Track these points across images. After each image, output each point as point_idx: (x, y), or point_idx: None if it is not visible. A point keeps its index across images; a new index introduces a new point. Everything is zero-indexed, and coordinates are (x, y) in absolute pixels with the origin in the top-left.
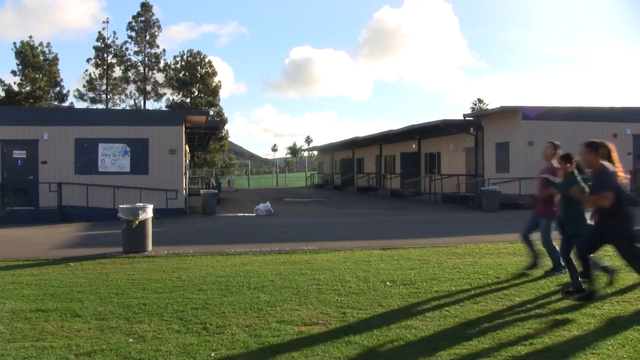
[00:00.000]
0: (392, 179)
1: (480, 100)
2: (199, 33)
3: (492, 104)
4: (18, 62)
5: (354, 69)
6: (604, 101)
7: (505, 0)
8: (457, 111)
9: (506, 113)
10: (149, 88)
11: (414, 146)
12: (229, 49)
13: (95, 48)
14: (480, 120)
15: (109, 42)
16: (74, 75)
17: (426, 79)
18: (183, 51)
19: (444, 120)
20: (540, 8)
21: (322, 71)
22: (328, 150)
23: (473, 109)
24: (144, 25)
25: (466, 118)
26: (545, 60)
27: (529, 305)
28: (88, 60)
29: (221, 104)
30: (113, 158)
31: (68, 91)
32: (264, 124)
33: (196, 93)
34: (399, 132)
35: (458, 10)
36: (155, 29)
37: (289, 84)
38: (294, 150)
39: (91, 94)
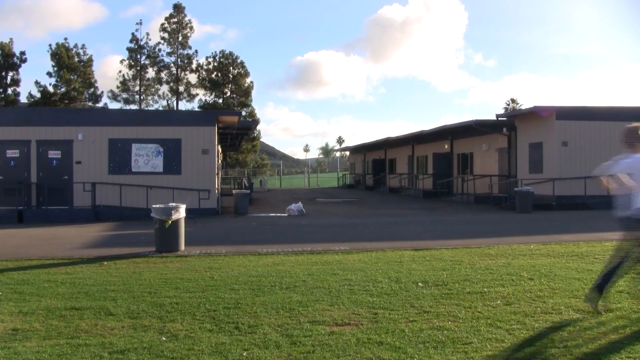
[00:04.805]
0: (425, 179)
1: (513, 100)
2: (227, 33)
3: (518, 104)
4: (53, 64)
5: (365, 69)
6: (628, 102)
7: (517, 0)
8: (473, 111)
9: (540, 113)
10: (181, 89)
11: (446, 146)
12: (241, 49)
13: (129, 49)
14: (513, 121)
15: (142, 43)
16: (99, 75)
17: (436, 79)
18: (215, 52)
19: (476, 120)
20: (556, 7)
21: (335, 72)
22: (360, 150)
23: (506, 109)
24: (177, 27)
25: (499, 118)
26: (561, 60)
27: (562, 308)
28: (121, 61)
29: (252, 104)
30: (146, 158)
31: (102, 92)
32: (281, 124)
33: (228, 94)
34: (431, 132)
35: (470, 10)
36: (188, 30)
37: (304, 85)
38: (326, 151)
39: (124, 95)
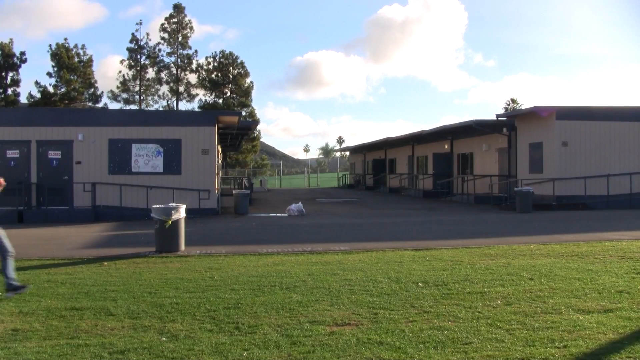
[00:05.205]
0: (425, 179)
1: (513, 100)
2: (225, 33)
3: (510, 105)
4: (53, 64)
5: (365, 69)
6: (628, 102)
7: (517, 0)
8: (473, 111)
9: (540, 113)
10: (181, 89)
11: (446, 146)
12: (241, 49)
13: (129, 49)
14: (513, 121)
15: (142, 43)
16: (99, 75)
17: (436, 79)
18: (215, 52)
19: (476, 120)
20: (556, 7)
21: (335, 72)
22: (360, 150)
23: (506, 109)
24: (177, 27)
25: (499, 118)
26: (561, 60)
27: (562, 308)
28: (121, 61)
29: (253, 104)
30: (146, 158)
31: (102, 92)
32: (281, 124)
33: (228, 94)
34: (431, 132)
35: (470, 10)
36: (188, 30)
37: (304, 85)
38: (326, 151)
39: (125, 95)
